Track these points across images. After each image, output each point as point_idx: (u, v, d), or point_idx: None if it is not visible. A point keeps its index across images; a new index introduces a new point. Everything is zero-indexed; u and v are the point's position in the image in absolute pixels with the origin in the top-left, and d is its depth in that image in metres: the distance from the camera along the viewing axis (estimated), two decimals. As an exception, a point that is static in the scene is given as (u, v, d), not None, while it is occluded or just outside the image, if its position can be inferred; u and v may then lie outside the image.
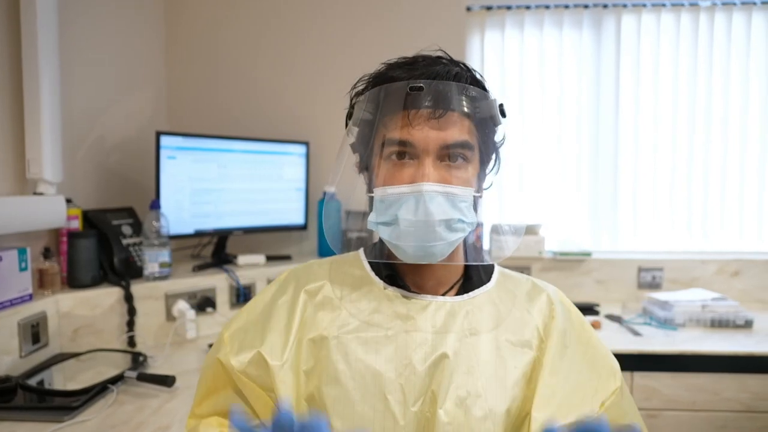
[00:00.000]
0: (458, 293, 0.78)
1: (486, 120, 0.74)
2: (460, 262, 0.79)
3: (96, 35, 1.82)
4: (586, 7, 2.29)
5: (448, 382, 0.70)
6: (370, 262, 0.81)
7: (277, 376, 0.71)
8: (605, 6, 2.28)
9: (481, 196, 0.76)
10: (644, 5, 2.27)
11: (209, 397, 0.77)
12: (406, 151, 0.71)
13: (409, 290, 0.77)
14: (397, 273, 0.78)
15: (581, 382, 0.73)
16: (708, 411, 1.64)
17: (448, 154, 0.70)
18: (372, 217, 0.74)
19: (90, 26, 1.79)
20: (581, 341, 0.78)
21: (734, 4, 2.24)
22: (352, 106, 0.77)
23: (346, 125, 0.78)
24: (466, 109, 0.71)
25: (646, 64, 2.29)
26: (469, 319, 0.75)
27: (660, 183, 2.32)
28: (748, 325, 1.83)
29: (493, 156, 0.78)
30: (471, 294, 0.78)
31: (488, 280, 0.81)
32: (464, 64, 0.76)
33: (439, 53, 0.76)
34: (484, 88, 0.75)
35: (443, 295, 0.78)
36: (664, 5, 2.26)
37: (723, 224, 2.30)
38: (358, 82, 0.78)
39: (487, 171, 0.78)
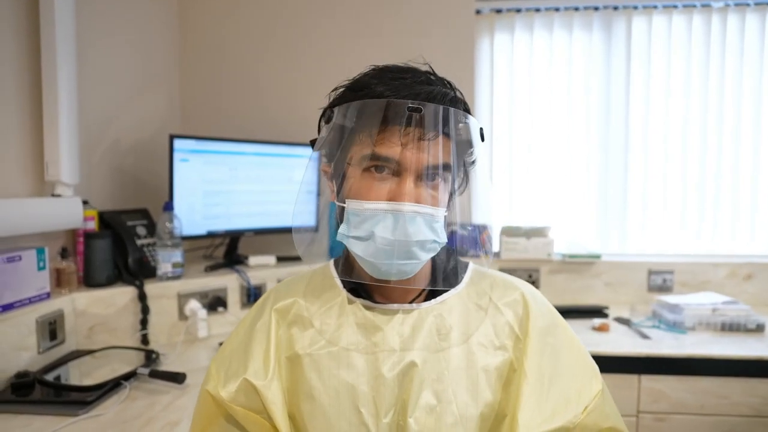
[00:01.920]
0: (427, 298, 0.77)
1: (465, 143, 0.73)
2: (423, 278, 0.78)
3: (111, 40, 1.87)
4: (596, 9, 2.28)
5: (418, 390, 0.70)
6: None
7: (266, 398, 0.71)
8: (615, 8, 2.28)
9: (446, 214, 0.74)
10: (655, 7, 2.26)
11: (205, 430, 0.76)
12: (386, 166, 0.69)
13: (374, 301, 0.77)
14: (362, 284, 0.77)
15: (565, 384, 0.73)
16: (716, 415, 1.63)
17: (429, 174, 0.69)
18: (343, 230, 0.72)
19: (105, 31, 1.84)
20: (562, 341, 0.77)
21: (747, 4, 2.22)
22: (331, 110, 0.73)
23: (319, 129, 0.75)
24: (457, 134, 0.71)
25: (656, 66, 2.28)
26: (437, 325, 0.74)
27: (671, 186, 2.30)
28: (759, 329, 1.81)
29: (462, 175, 0.77)
30: (439, 299, 0.77)
31: (458, 281, 0.79)
32: (449, 83, 0.75)
33: (426, 68, 0.75)
34: (469, 111, 0.74)
35: (411, 301, 0.77)
36: (675, 7, 2.25)
37: (734, 227, 2.28)
38: (339, 86, 0.75)
39: (456, 188, 0.76)
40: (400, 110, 0.67)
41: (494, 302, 0.77)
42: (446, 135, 0.70)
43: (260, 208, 2.03)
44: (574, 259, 2.21)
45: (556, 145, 2.34)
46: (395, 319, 0.74)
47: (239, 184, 1.97)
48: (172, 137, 1.79)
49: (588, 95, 2.32)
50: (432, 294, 0.78)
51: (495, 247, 2.26)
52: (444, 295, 0.77)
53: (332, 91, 0.77)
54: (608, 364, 1.56)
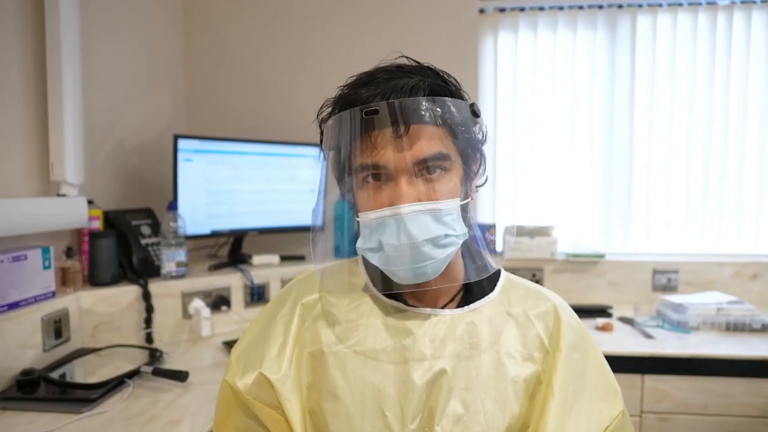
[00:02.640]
0: (459, 305, 0.76)
1: (457, 123, 0.69)
2: (459, 275, 0.76)
3: (116, 41, 1.88)
4: (600, 7, 2.27)
5: (446, 398, 0.68)
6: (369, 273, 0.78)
7: (281, 393, 0.71)
8: (620, 6, 2.27)
9: (470, 200, 0.73)
10: (660, 5, 2.24)
11: (226, 423, 0.76)
12: (380, 173, 0.68)
13: (407, 303, 0.75)
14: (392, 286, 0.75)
15: (587, 403, 0.72)
16: (720, 416, 1.62)
17: (425, 168, 0.67)
18: (359, 243, 0.72)
19: (109, 32, 1.85)
20: (587, 358, 0.76)
21: (754, 2, 2.20)
22: (322, 132, 0.74)
23: (322, 151, 0.75)
24: (430, 119, 0.67)
25: (661, 64, 2.27)
26: (469, 333, 0.72)
27: (675, 185, 2.29)
28: (764, 329, 1.80)
29: (478, 156, 0.74)
30: (472, 306, 0.75)
31: (491, 289, 0.78)
32: (431, 69, 0.72)
33: (401, 60, 0.73)
34: (452, 93, 0.71)
35: (443, 307, 0.75)
36: (680, 5, 2.23)
37: (740, 227, 2.27)
38: (322, 106, 0.74)
39: (475, 172, 0.74)
40: (361, 117, 0.67)
41: (526, 312, 0.76)
42: (426, 124, 0.67)
43: (264, 207, 2.04)
44: (577, 258, 2.21)
45: (560, 144, 2.33)
46: (427, 323, 0.73)
47: (243, 184, 1.98)
48: (176, 137, 1.80)
49: (592, 94, 2.31)
50: (464, 300, 0.76)
51: (499, 247, 2.26)
52: (477, 303, 0.76)
53: (318, 113, 0.75)
54: (611, 363, 1.51)
